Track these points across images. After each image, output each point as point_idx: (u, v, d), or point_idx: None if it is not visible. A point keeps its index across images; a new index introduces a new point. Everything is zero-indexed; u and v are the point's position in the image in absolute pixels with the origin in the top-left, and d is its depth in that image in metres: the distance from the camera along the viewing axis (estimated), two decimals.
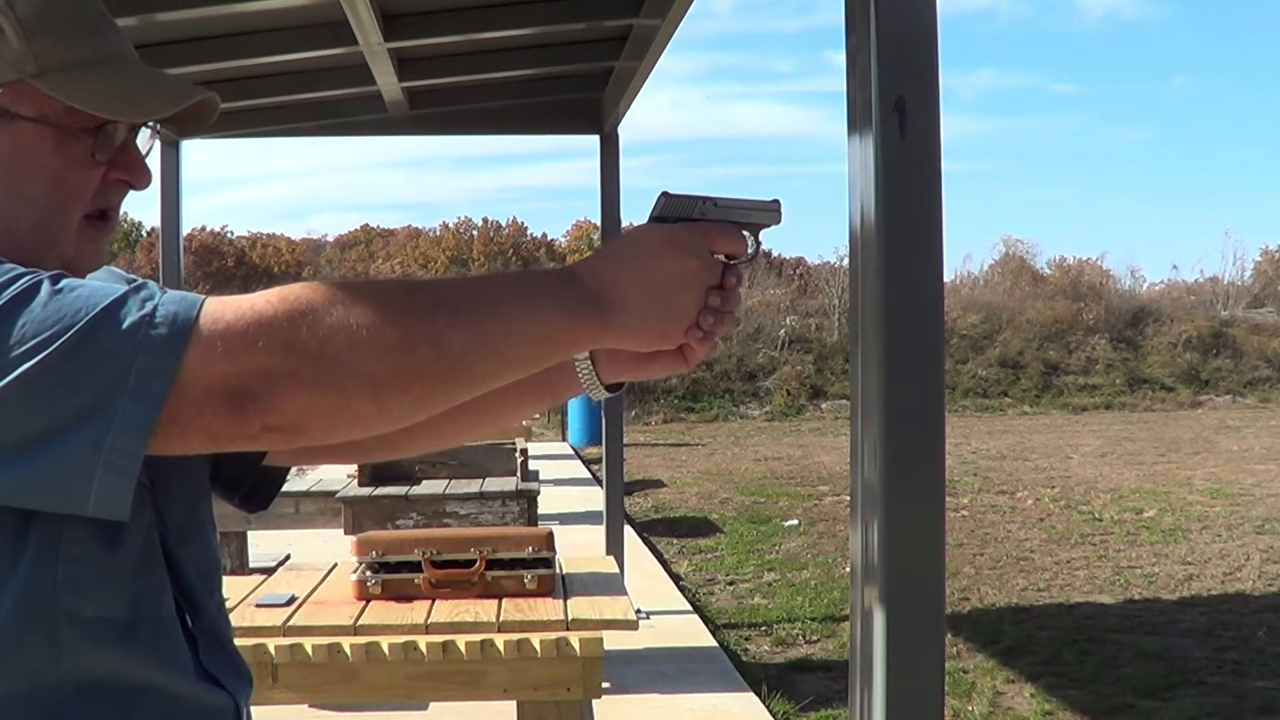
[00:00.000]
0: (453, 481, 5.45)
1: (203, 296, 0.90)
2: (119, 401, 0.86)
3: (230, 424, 0.89)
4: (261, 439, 0.91)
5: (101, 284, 0.93)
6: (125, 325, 0.87)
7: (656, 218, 1.05)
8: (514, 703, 3.06)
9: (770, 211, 1.10)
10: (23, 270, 0.91)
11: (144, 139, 1.12)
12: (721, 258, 1.05)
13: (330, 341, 0.88)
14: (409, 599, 3.15)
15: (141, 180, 1.11)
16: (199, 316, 0.88)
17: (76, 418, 0.86)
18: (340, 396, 0.89)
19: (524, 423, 10.23)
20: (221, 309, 0.89)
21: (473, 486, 5.31)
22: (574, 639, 2.93)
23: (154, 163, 1.14)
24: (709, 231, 1.04)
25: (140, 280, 0.96)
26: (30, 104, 1.03)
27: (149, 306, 0.88)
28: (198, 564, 1.14)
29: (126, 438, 0.86)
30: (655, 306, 1.01)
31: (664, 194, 1.05)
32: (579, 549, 5.23)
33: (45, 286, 0.89)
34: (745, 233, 1.07)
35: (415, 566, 3.18)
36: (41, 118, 1.03)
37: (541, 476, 6.19)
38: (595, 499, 8.65)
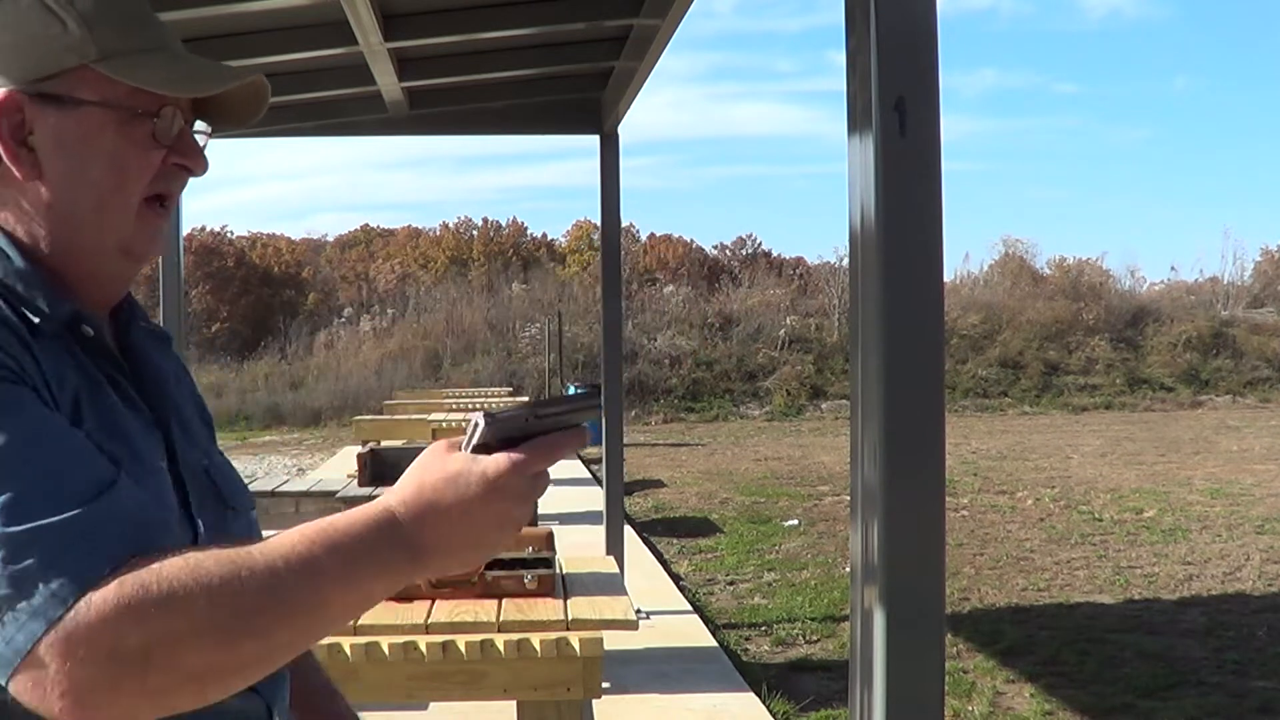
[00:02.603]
0: None
1: (56, 615, 0.87)
2: None
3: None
4: None
5: None
6: None
7: (481, 445, 1.01)
8: (514, 703, 3.06)
9: (591, 408, 1.08)
10: None
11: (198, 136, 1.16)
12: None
13: (152, 655, 0.88)
14: (409, 599, 3.15)
15: (199, 166, 1.15)
16: (33, 651, 0.86)
17: None
18: (162, 696, 0.90)
19: None
20: (62, 642, 0.87)
21: None
22: (574, 639, 2.93)
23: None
24: (537, 460, 1.01)
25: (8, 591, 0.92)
26: (93, 89, 1.07)
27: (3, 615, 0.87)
28: None
29: None
30: (471, 549, 1.02)
31: (487, 417, 1.01)
32: (579, 549, 5.24)
33: None
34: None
35: None
36: (104, 101, 1.08)
37: None
38: (595, 499, 8.64)
